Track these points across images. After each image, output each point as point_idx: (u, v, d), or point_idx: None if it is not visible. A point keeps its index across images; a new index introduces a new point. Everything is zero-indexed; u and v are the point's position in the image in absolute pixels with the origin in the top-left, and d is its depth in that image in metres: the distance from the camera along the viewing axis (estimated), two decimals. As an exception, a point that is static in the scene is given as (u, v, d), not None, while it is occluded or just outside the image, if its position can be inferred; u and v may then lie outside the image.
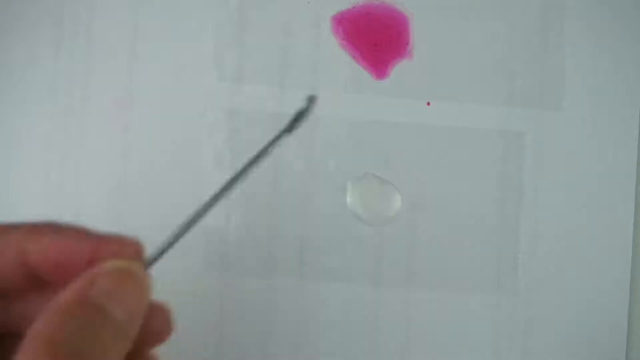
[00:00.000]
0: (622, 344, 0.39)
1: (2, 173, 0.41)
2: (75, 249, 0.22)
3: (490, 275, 0.38)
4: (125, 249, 0.23)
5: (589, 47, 0.40)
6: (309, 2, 0.40)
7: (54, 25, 0.42)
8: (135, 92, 0.41)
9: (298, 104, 0.38)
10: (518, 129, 0.40)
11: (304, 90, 0.40)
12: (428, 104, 0.39)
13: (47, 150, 0.41)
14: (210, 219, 0.38)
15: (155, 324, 0.24)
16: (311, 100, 0.29)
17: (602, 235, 0.39)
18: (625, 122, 0.40)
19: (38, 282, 0.22)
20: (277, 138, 0.28)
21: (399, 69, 0.40)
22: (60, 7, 0.42)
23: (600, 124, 0.40)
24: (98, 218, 0.40)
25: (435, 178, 0.39)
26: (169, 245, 0.25)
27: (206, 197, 0.25)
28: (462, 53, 0.40)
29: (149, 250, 0.24)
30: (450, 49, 0.40)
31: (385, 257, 0.39)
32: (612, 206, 0.39)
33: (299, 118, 0.29)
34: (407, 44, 0.39)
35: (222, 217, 0.40)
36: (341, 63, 0.40)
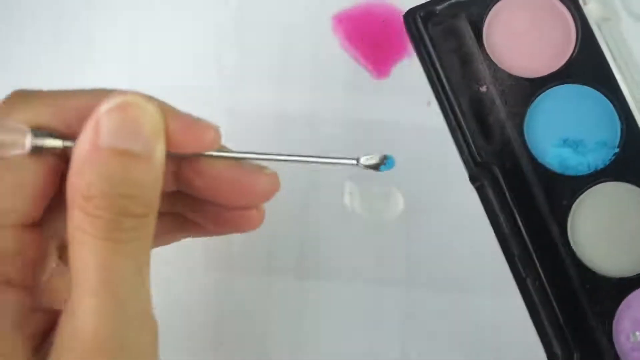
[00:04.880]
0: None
1: None
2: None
3: (490, 276, 0.36)
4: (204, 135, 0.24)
5: None
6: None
7: (53, 25, 0.41)
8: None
9: (298, 104, 0.39)
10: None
11: (304, 90, 0.39)
12: (428, 104, 0.38)
13: None
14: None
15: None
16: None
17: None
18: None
19: None
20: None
21: (399, 69, 0.39)
22: (59, 7, 0.41)
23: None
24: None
25: (435, 178, 0.38)
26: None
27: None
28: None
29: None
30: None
31: (385, 257, 0.38)
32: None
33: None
34: (407, 43, 0.38)
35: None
36: (341, 63, 0.39)
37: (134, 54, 0.41)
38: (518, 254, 0.34)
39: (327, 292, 0.38)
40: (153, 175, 0.21)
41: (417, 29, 0.36)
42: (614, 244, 0.34)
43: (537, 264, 0.34)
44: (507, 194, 0.35)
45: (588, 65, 0.35)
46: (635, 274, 0.33)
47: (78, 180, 0.20)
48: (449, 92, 0.36)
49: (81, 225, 0.20)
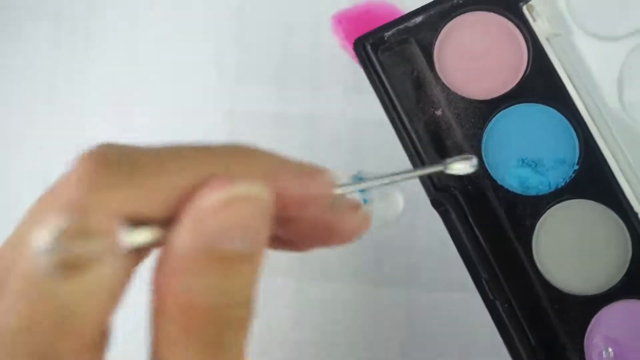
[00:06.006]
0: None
1: (2, 173, 0.41)
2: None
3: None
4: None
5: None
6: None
7: (54, 25, 0.41)
8: (135, 92, 0.41)
9: (298, 104, 0.40)
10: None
11: (304, 90, 0.40)
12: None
13: (47, 150, 0.41)
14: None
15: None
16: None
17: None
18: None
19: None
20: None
21: (398, 69, 0.38)
22: (60, 7, 0.41)
23: None
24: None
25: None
26: None
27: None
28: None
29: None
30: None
31: (385, 257, 0.38)
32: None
33: None
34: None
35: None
36: (341, 63, 0.39)
37: (133, 54, 0.41)
38: (486, 278, 0.34)
39: (327, 292, 0.38)
40: (257, 272, 0.18)
41: (368, 56, 0.35)
42: (579, 261, 0.34)
43: (505, 287, 0.34)
44: (470, 217, 0.34)
45: (541, 83, 0.35)
46: (602, 291, 0.33)
47: (174, 289, 0.17)
48: (404, 118, 0.35)
49: (178, 342, 0.17)
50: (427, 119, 0.35)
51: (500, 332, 0.34)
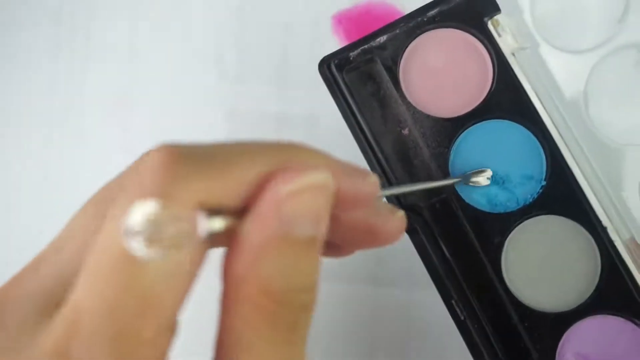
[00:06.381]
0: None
1: (2, 173, 0.42)
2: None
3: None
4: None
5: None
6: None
7: (54, 25, 0.42)
8: (135, 92, 0.41)
9: (298, 104, 0.40)
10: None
11: (304, 90, 0.40)
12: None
13: (46, 150, 0.42)
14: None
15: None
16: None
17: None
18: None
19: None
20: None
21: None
22: (60, 7, 0.42)
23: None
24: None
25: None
26: None
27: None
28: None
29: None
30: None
31: (385, 257, 0.39)
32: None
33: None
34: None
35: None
36: None
37: (134, 54, 0.41)
38: (455, 299, 0.33)
39: (327, 292, 0.38)
40: (319, 258, 0.19)
41: (333, 76, 0.35)
42: (548, 279, 0.34)
43: (475, 306, 0.34)
44: (437, 236, 0.34)
45: (507, 99, 0.34)
46: (572, 307, 0.33)
47: (253, 272, 0.18)
48: (370, 138, 0.35)
49: (252, 321, 0.18)
50: (395, 138, 0.35)
51: (470, 351, 0.34)
